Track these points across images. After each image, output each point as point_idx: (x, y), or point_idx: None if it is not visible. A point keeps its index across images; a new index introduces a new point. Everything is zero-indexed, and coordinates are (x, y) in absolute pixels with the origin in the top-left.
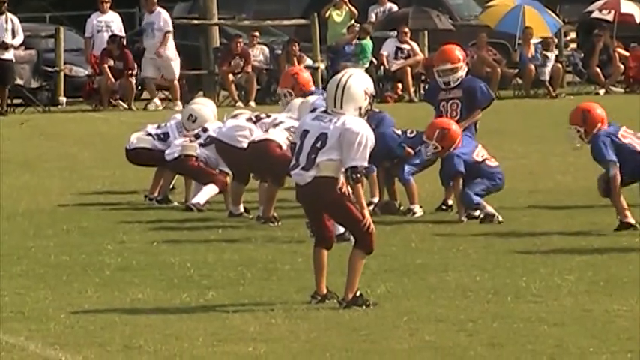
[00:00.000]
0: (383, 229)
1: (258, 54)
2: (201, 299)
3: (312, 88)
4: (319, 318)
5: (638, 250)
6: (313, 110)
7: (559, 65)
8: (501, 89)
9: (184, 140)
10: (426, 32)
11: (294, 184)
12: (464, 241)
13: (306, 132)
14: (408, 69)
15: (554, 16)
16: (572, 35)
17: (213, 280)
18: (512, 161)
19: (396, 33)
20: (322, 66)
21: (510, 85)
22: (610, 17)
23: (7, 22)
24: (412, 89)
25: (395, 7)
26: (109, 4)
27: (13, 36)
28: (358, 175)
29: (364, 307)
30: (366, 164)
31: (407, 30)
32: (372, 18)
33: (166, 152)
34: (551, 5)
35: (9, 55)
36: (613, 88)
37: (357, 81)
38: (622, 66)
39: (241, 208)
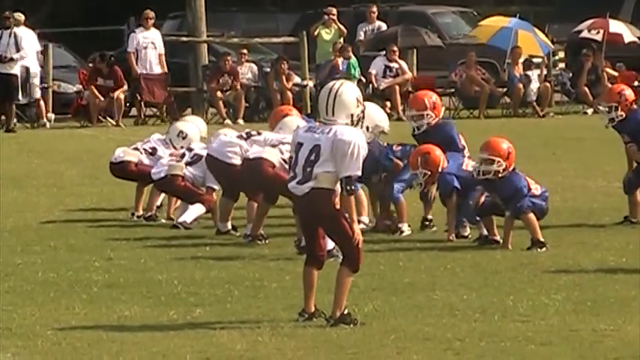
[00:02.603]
0: (371, 247)
1: (247, 72)
2: (189, 317)
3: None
4: (306, 336)
5: (626, 270)
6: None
7: (547, 85)
8: (490, 108)
9: (171, 159)
10: (414, 50)
11: (293, 196)
12: (451, 260)
13: (300, 144)
14: (397, 87)
15: (545, 38)
16: (561, 55)
17: (200, 298)
18: None
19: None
20: (311, 84)
21: (499, 104)
22: (599, 37)
23: (10, 36)
24: (400, 107)
25: (384, 26)
26: (153, 21)
27: (17, 50)
28: (352, 187)
29: (351, 325)
30: (359, 173)
31: (395, 49)
32: (361, 36)
33: (153, 171)
34: (540, 25)
35: (14, 69)
36: (601, 108)
37: (349, 89)
38: (610, 86)
39: (229, 225)
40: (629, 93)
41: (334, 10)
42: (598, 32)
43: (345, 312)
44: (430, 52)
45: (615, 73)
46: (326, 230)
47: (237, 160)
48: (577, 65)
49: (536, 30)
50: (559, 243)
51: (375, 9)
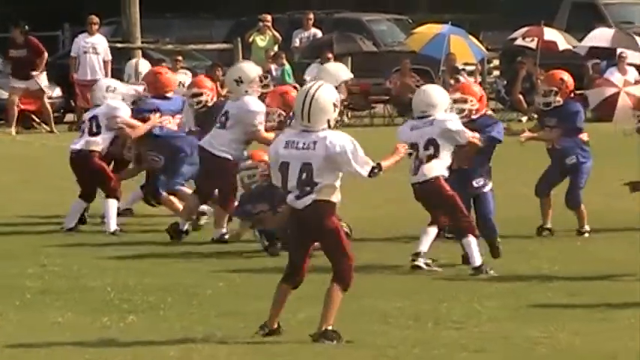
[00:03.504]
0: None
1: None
2: (122, 323)
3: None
4: (240, 343)
5: (559, 278)
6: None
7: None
8: None
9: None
10: (349, 58)
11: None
12: (386, 268)
13: (285, 164)
14: None
15: (479, 44)
16: (496, 62)
17: (133, 305)
18: None
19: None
20: None
21: None
22: (533, 45)
23: None
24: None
25: (319, 33)
26: (97, 26)
27: None
28: (376, 170)
29: (334, 341)
30: (372, 163)
31: (330, 55)
32: (296, 43)
33: (72, 145)
34: (475, 32)
35: None
36: (536, 116)
37: (325, 92)
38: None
39: (187, 225)
40: (569, 80)
41: (269, 17)
42: (532, 40)
43: (330, 328)
44: (365, 59)
45: None
46: (324, 244)
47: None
48: (512, 73)
49: (471, 37)
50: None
51: (311, 16)
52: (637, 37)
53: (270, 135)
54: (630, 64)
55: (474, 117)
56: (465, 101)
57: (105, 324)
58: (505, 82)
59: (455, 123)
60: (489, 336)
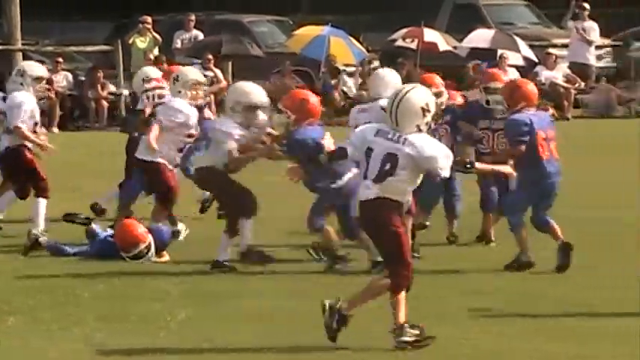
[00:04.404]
0: (187, 256)
1: (62, 80)
2: (2, 325)
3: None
4: (120, 344)
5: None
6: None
7: (363, 93)
8: None
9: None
10: (230, 59)
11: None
12: (271, 266)
13: (370, 150)
14: (212, 96)
15: (360, 45)
16: (376, 63)
17: (12, 307)
18: None
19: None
20: (126, 92)
21: None
22: (413, 46)
23: None
24: (216, 116)
25: (201, 35)
26: None
27: None
28: (468, 166)
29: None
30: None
31: (210, 57)
32: (178, 44)
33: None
34: (355, 33)
35: None
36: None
37: (415, 95)
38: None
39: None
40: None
41: (149, 19)
42: (413, 41)
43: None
44: (247, 60)
45: None
46: (382, 242)
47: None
48: None
49: (351, 38)
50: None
51: (193, 17)
52: (517, 38)
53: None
54: (511, 65)
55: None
56: None
57: None
58: None
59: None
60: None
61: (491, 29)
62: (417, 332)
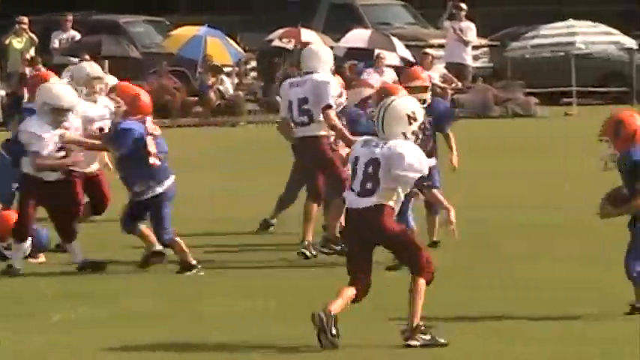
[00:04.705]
0: (54, 255)
1: None
2: None
3: None
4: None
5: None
6: None
7: (240, 93)
8: (182, 117)
9: None
10: (106, 60)
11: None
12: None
13: (356, 158)
14: None
15: (236, 46)
16: (253, 64)
17: None
18: (194, 189)
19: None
20: (2, 93)
21: (191, 113)
22: (290, 46)
23: None
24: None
25: (78, 35)
26: None
27: None
28: (426, 184)
29: (428, 336)
30: (424, 172)
31: (88, 57)
32: (55, 44)
33: None
34: (233, 34)
35: None
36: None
37: (399, 104)
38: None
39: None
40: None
41: (25, 19)
42: (290, 41)
43: (420, 323)
44: (124, 61)
45: None
46: (393, 248)
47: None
48: (269, 74)
49: (228, 38)
50: (252, 251)
51: (70, 17)
52: (394, 39)
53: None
54: (388, 65)
55: None
56: None
57: None
58: (262, 84)
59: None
60: (254, 337)
61: (368, 29)
62: (429, 337)
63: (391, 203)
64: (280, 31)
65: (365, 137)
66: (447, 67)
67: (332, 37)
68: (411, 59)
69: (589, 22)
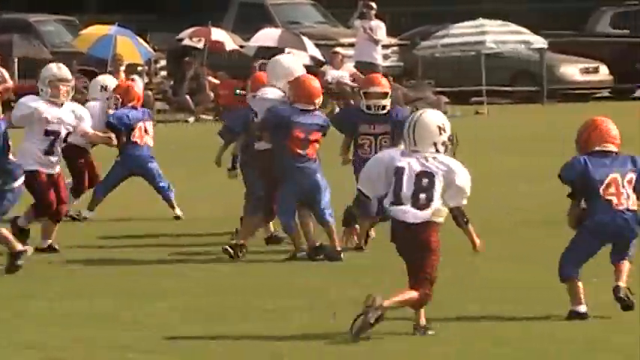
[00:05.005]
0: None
1: None
2: None
3: None
4: None
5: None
6: None
7: (149, 93)
8: None
9: None
10: (16, 59)
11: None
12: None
13: (401, 169)
14: None
15: (147, 45)
16: (163, 63)
17: None
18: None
19: None
20: None
21: None
22: (200, 45)
23: None
24: (1, 116)
25: None
26: None
27: None
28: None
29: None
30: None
31: None
32: None
33: None
34: (143, 33)
35: None
36: (203, 116)
37: (429, 116)
38: (212, 94)
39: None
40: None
41: None
42: (200, 40)
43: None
44: (33, 61)
45: (217, 81)
46: (422, 259)
47: None
48: (179, 73)
49: (138, 37)
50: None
51: None
52: (304, 38)
53: None
54: None
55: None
56: None
57: None
58: (172, 83)
59: None
60: (158, 337)
61: (278, 28)
62: (434, 333)
63: (441, 220)
64: (190, 30)
65: (400, 148)
66: (356, 66)
67: (242, 37)
68: (321, 58)
69: (499, 22)
